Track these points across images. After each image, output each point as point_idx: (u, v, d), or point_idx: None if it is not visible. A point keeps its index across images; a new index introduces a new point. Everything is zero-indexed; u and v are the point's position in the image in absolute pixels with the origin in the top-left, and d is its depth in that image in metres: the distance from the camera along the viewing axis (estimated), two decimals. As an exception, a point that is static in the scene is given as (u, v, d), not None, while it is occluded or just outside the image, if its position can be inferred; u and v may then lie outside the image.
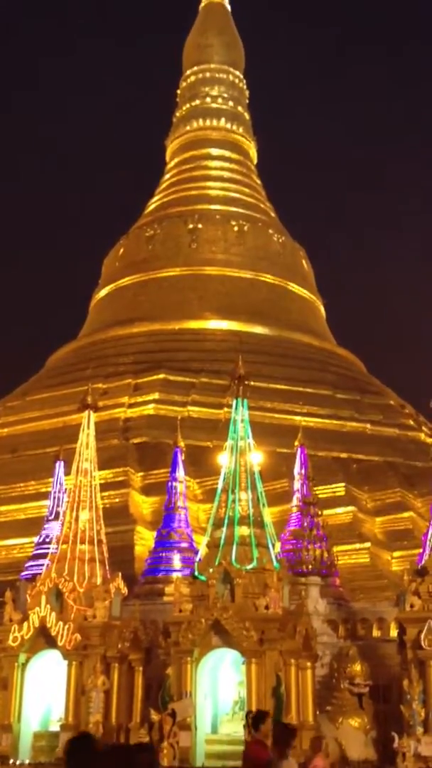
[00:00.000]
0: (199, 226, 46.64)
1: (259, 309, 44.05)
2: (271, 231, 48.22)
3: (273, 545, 16.80)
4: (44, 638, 16.48)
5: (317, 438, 32.26)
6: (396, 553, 29.02)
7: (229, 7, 55.41)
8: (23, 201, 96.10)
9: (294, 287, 47.26)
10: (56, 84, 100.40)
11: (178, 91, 53.95)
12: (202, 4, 55.43)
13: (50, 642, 16.39)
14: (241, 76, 53.64)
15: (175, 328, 42.41)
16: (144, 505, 30.32)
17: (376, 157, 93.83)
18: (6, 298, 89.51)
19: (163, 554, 23.32)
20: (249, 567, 15.68)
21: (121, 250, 49.04)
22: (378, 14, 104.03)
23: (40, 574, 18.29)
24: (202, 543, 17.53)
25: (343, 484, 30.26)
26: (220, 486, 16.95)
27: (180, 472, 24.85)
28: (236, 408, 17.78)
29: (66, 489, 23.61)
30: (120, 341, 42.60)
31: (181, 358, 39.21)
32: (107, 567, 18.02)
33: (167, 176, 51.53)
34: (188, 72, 53.43)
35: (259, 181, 51.75)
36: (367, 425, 37.09)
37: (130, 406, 36.07)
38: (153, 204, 50.79)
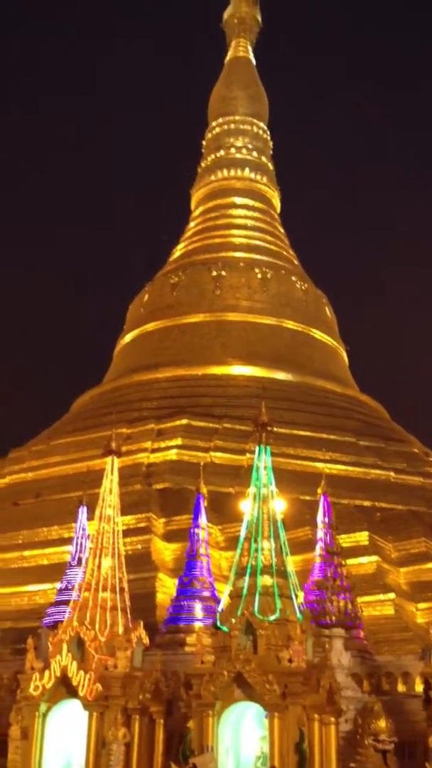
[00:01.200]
0: (223, 273, 47.16)
1: (281, 355, 44.22)
2: (294, 278, 48.61)
3: (296, 595, 16.62)
4: (65, 688, 16.32)
5: (340, 486, 32.07)
6: (421, 605, 28.56)
7: (254, 61, 56.86)
8: (49, 248, 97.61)
9: (317, 334, 47.44)
10: (79, 133, 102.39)
11: (204, 142, 55.12)
12: (228, 58, 56.95)
13: (71, 692, 16.23)
14: (265, 128, 54.79)
15: (199, 373, 42.63)
16: (166, 551, 30.14)
17: (397, 200, 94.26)
18: (32, 344, 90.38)
19: (185, 603, 23.11)
20: (272, 618, 15.52)
21: (146, 297, 49.63)
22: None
23: (62, 621, 18.23)
24: (224, 592, 17.37)
25: (366, 533, 29.92)
26: (242, 534, 16.87)
27: (202, 519, 24.75)
28: (259, 455, 17.77)
29: (89, 534, 23.62)
30: (144, 386, 42.87)
31: (204, 404, 39.32)
32: (129, 615, 17.91)
33: (192, 224, 52.33)
34: (213, 123, 54.64)
35: (282, 230, 52.38)
36: (390, 473, 36.79)
37: (153, 451, 36.11)
38: (178, 251, 51.51)
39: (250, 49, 57.50)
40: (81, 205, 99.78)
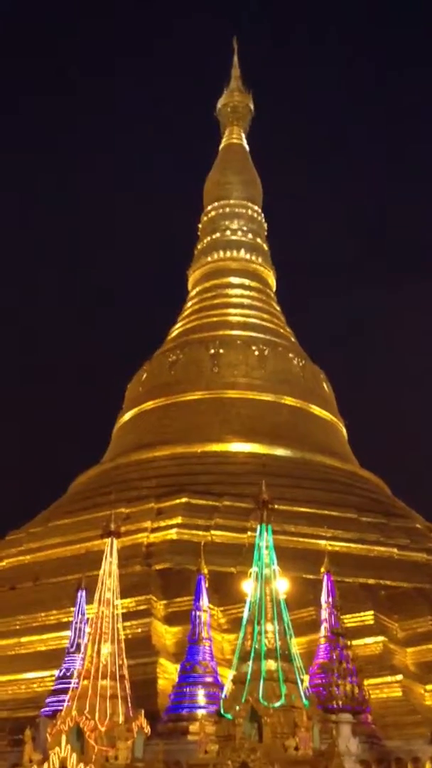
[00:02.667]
0: (221, 351, 47.61)
1: (280, 431, 44.22)
2: (291, 355, 49.05)
3: (301, 680, 16.16)
4: (64, 781, 15.74)
5: (343, 563, 31.57)
6: (429, 686, 27.75)
7: (247, 147, 58.91)
8: (46, 326, 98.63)
9: (315, 409, 47.58)
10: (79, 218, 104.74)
11: (200, 225, 56.60)
12: (222, 145, 59.09)
13: (70, 786, 15.64)
14: (260, 210, 56.37)
15: (198, 451, 42.52)
16: (167, 635, 29.47)
17: (392, 274, 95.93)
18: (29, 424, 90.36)
19: (187, 689, 22.48)
20: (277, 704, 15.06)
21: (145, 375, 49.95)
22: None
23: (60, 710, 17.66)
24: (227, 678, 16.92)
25: (372, 613, 29.31)
26: (245, 617, 16.53)
27: (204, 601, 24.29)
28: (260, 534, 17.56)
29: (88, 619, 23.15)
30: (143, 465, 42.69)
31: (203, 481, 39.08)
32: (129, 703, 17.39)
33: (189, 304, 53.14)
34: (209, 207, 56.20)
35: (278, 308, 53.20)
36: (394, 550, 36.29)
37: (153, 530, 35.69)
38: (176, 330, 52.13)
39: (243, 136, 59.60)
40: (83, 285, 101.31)
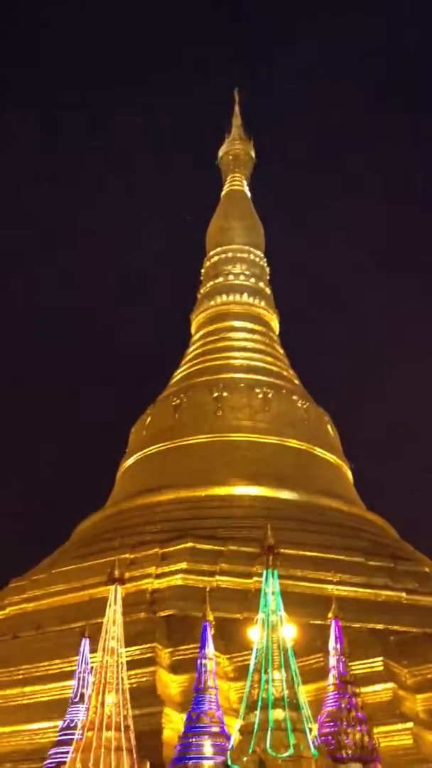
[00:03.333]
0: (225, 394, 47.67)
1: (285, 474, 44.02)
2: (295, 397, 49.07)
3: (310, 729, 15.88)
4: None
5: (351, 608, 31.15)
6: (440, 734, 27.14)
7: (248, 194, 59.89)
8: (44, 366, 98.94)
9: (320, 452, 47.43)
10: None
11: (203, 270, 57.32)
12: (224, 192, 60.11)
13: None
14: (262, 255, 57.12)
15: (202, 494, 42.30)
16: (172, 684, 28.96)
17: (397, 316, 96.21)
18: (31, 469, 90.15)
19: (194, 740, 21.96)
20: (286, 755, 14.79)
21: (148, 419, 49.95)
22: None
23: (64, 762, 17.34)
24: (234, 727, 16.59)
25: (380, 659, 28.81)
26: (252, 665, 16.33)
27: (210, 649, 23.88)
28: (266, 579, 17.45)
29: (92, 668, 22.79)
30: (147, 509, 42.44)
31: (208, 526, 38.79)
32: (135, 755, 17.05)
33: (192, 348, 53.41)
34: (212, 253, 56.96)
35: (281, 350, 53.43)
36: (402, 594, 35.80)
37: (158, 576, 35.33)
38: (179, 374, 52.30)
39: (245, 182, 60.66)
40: (84, 327, 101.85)
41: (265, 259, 57.13)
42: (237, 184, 60.11)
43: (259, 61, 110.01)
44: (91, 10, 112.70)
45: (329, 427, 49.88)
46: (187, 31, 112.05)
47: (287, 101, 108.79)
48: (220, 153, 62.08)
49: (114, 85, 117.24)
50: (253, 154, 61.82)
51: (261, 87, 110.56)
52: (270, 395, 47.80)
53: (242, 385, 48.26)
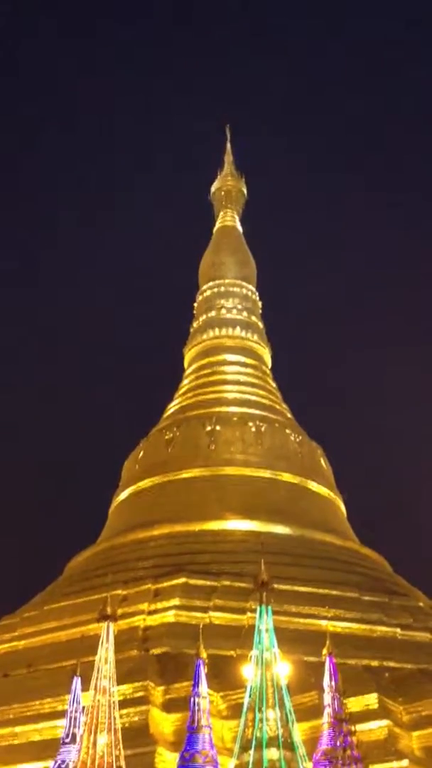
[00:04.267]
0: (217, 427, 47.64)
1: (279, 508, 43.87)
2: (288, 431, 49.08)
3: (305, 769, 15.67)
4: None
5: (346, 644, 30.85)
6: (437, 773, 26.76)
7: (240, 229, 60.55)
8: (42, 402, 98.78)
9: (313, 485, 47.34)
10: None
11: (195, 304, 57.73)
12: (216, 227, 60.78)
13: None
14: (254, 289, 57.63)
15: (195, 529, 42.09)
16: (165, 723, 28.51)
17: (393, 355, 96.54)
18: (23, 505, 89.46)
19: (187, 781, 21.61)
20: (280, 796, 14.55)
21: (141, 453, 49.83)
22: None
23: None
24: (228, 767, 16.36)
25: (376, 696, 28.47)
26: (245, 703, 16.17)
27: (203, 687, 23.49)
28: (260, 616, 17.34)
29: (83, 708, 22.45)
30: (140, 545, 42.16)
31: (201, 561, 38.54)
32: (127, 798, 16.78)
33: (185, 381, 53.49)
34: (204, 287, 57.43)
35: (274, 384, 53.59)
36: (397, 630, 35.54)
37: (150, 613, 34.99)
38: (172, 408, 52.29)
39: (236, 218, 61.36)
40: (83, 363, 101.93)
41: (257, 293, 57.60)
42: (229, 219, 60.79)
43: (251, 98, 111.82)
44: (84, 48, 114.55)
45: (322, 460, 49.84)
46: (179, 68, 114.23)
47: (277, 137, 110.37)
48: (213, 188, 62.90)
49: (107, 124, 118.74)
50: (244, 190, 62.63)
51: (252, 124, 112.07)
52: (263, 429, 47.82)
53: (235, 418, 48.27)
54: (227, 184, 62.29)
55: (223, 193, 62.19)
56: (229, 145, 64.63)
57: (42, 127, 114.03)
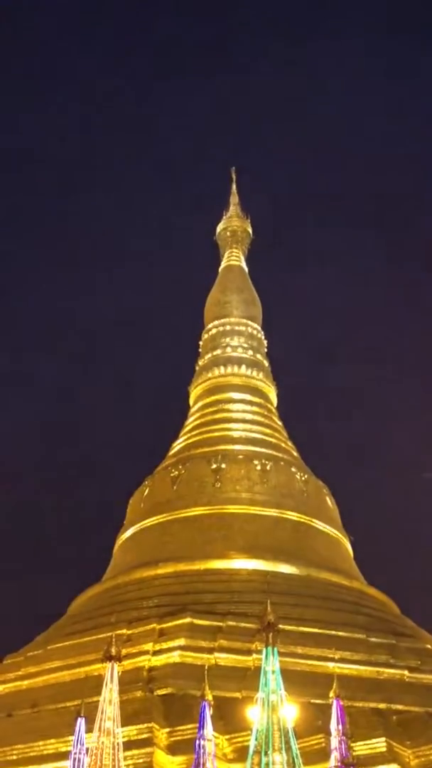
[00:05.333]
0: (223, 465, 47.62)
1: (284, 547, 43.67)
2: (293, 469, 49.02)
3: None
4: None
5: (353, 687, 30.55)
6: None
7: (246, 268, 61.24)
8: (42, 442, 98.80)
9: (319, 525, 47.13)
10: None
11: (201, 343, 58.04)
12: (222, 267, 61.45)
13: None
14: (259, 328, 58.04)
15: (201, 568, 41.89)
16: (170, 765, 28.17)
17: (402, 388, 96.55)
18: (27, 543, 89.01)
19: None
20: None
21: (146, 491, 49.77)
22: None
23: None
24: None
25: (383, 739, 28.13)
26: (252, 747, 16.02)
27: (208, 730, 23.28)
28: (266, 657, 17.25)
29: (87, 749, 22.24)
30: (144, 583, 41.95)
31: (206, 600, 38.31)
32: None
33: (191, 419, 53.59)
34: (210, 325, 57.85)
35: (279, 422, 53.62)
36: (404, 672, 35.15)
37: (155, 653, 34.72)
38: (178, 445, 52.33)
39: (242, 258, 62.05)
40: (88, 400, 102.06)
41: (262, 332, 57.98)
42: (235, 259, 61.46)
43: (256, 139, 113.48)
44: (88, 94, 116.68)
45: (328, 499, 49.69)
46: (185, 109, 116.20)
47: (284, 178, 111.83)
48: (218, 229, 63.71)
49: (112, 162, 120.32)
50: (250, 230, 63.45)
51: (258, 165, 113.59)
52: (268, 467, 47.78)
53: (241, 456, 48.26)
54: (233, 225, 63.14)
55: (228, 233, 62.96)
56: (234, 187, 65.64)
57: (39, 167, 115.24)
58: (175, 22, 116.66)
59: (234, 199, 64.89)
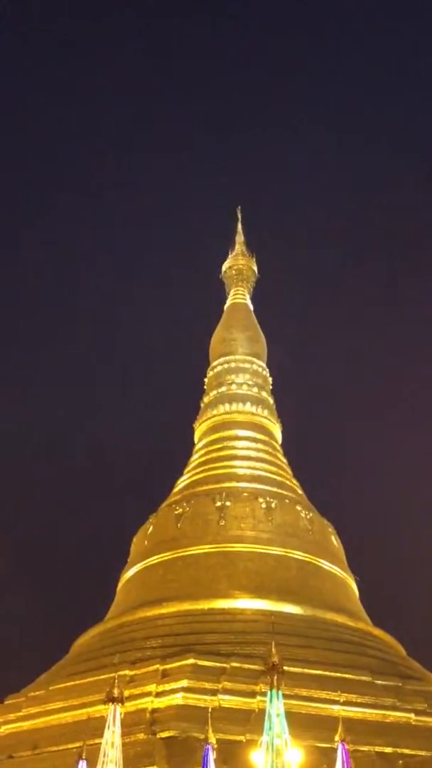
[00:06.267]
0: (228, 503, 47.41)
1: (289, 587, 43.26)
2: (298, 507, 48.78)
3: None
4: None
5: (358, 730, 30.05)
6: None
7: (251, 306, 61.77)
8: (45, 480, 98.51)
9: (324, 564, 46.75)
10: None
11: (206, 380, 58.30)
12: (227, 305, 62.12)
13: None
14: (264, 366, 58.38)
15: (205, 608, 41.46)
16: (172, 810, 27.67)
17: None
18: (29, 582, 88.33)
19: None
20: None
21: (150, 529, 49.50)
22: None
23: None
24: None
25: (389, 785, 27.63)
26: (256, 792, 15.74)
27: (212, 773, 23.01)
28: (271, 700, 17.04)
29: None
30: (148, 623, 41.51)
31: (210, 641, 37.84)
32: None
33: (196, 456, 53.53)
34: (215, 363, 58.23)
35: (284, 460, 53.55)
36: (411, 715, 34.56)
37: (158, 695, 34.20)
38: (182, 482, 52.19)
39: (247, 296, 62.69)
40: (91, 437, 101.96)
41: (267, 370, 58.27)
42: (240, 297, 62.05)
43: (262, 179, 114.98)
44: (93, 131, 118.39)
45: (333, 538, 49.36)
46: (190, 150, 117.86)
47: (289, 217, 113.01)
48: (224, 267, 64.54)
49: (118, 202, 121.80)
50: (255, 269, 64.17)
51: (264, 203, 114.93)
52: (273, 505, 47.56)
53: (246, 494, 48.07)
54: (239, 263, 63.95)
55: (234, 271, 63.79)
56: (240, 226, 66.51)
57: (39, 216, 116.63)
58: (178, 60, 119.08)
59: (239, 237, 65.89)
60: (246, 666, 34.49)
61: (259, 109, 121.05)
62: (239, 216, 67.15)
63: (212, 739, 24.10)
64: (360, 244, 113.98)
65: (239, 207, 68.02)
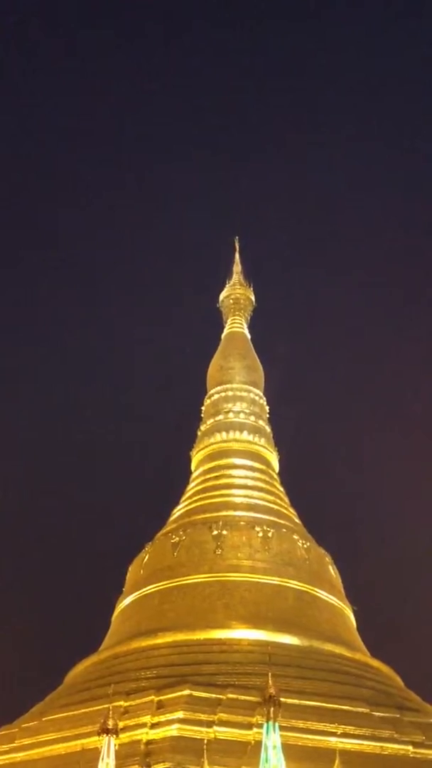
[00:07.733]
0: (224, 532, 47.28)
1: (286, 617, 43.00)
2: (295, 536, 48.63)
3: None
4: None
5: (355, 762, 29.74)
6: None
7: (248, 335, 62.18)
8: (44, 513, 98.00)
9: (321, 594, 46.50)
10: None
11: (203, 408, 58.47)
12: (225, 333, 62.57)
13: None
14: (261, 394, 58.58)
15: (201, 638, 41.15)
16: None
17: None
18: (22, 611, 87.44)
19: None
20: None
21: (146, 557, 49.28)
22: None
23: None
24: None
25: None
26: None
27: (207, 807, 22.70)
28: (267, 732, 16.88)
29: None
30: (143, 653, 41.16)
31: (206, 671, 37.52)
32: None
33: (192, 484, 53.46)
34: (212, 391, 58.45)
35: (281, 488, 53.50)
36: (409, 747, 34.16)
37: (153, 726, 33.80)
38: (178, 511, 52.06)
39: (245, 324, 63.15)
40: (86, 464, 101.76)
41: (264, 398, 58.44)
42: (237, 325, 62.46)
43: (259, 208, 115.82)
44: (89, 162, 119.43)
45: (331, 567, 49.15)
46: (187, 178, 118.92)
47: (287, 246, 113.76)
48: (221, 297, 65.13)
49: (112, 232, 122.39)
50: (253, 298, 64.74)
51: (261, 234, 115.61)
52: (270, 534, 47.42)
53: (242, 523, 47.95)
54: (236, 293, 64.52)
55: (231, 300, 64.34)
56: (237, 256, 67.19)
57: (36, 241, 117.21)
58: (175, 98, 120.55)
59: (237, 267, 66.59)
60: (242, 697, 34.17)
61: (256, 139, 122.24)
62: (236, 246, 67.97)
63: (208, 773, 23.85)
64: (363, 270, 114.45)
65: (237, 237, 68.92)
